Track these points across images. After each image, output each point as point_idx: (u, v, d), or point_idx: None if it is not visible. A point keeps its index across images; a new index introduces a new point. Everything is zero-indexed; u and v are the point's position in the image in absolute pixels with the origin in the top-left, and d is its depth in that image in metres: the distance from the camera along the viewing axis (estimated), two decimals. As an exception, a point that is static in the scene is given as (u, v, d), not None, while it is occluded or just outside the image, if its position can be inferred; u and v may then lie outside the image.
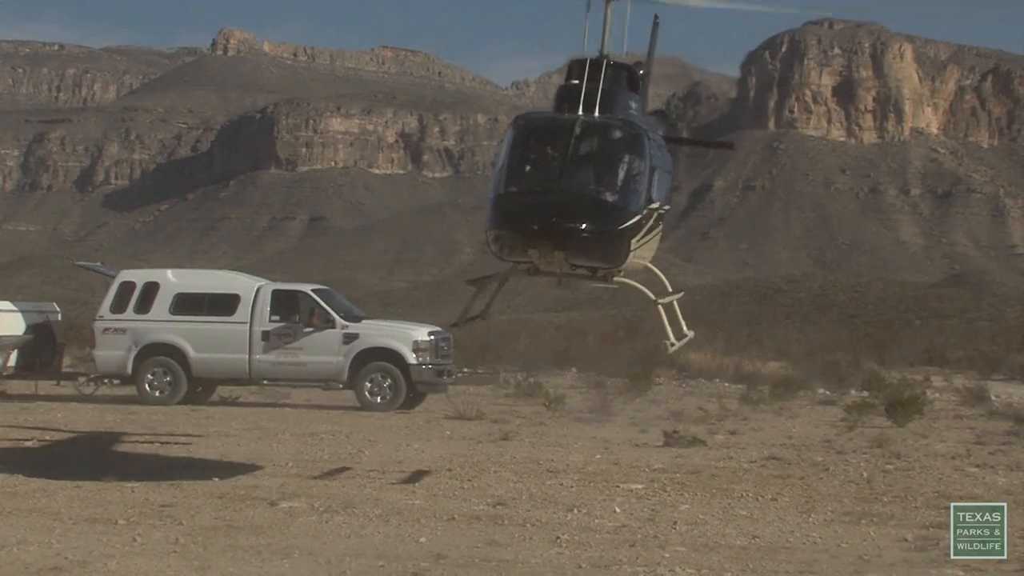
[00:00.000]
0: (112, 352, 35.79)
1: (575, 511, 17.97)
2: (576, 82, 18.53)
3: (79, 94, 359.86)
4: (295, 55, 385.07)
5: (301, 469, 21.72)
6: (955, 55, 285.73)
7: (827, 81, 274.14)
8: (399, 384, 34.78)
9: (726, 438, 28.52)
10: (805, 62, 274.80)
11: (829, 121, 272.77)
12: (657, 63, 22.37)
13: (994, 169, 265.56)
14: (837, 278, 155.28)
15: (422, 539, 15.83)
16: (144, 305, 35.89)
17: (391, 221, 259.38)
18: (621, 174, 18.17)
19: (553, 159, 17.92)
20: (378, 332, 35.70)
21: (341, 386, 35.29)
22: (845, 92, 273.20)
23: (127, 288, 36.33)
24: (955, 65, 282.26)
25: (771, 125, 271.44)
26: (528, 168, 18.19)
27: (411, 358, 34.89)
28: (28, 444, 25.25)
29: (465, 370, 40.68)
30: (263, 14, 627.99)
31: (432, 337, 35.69)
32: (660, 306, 19.85)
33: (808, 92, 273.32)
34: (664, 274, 20.61)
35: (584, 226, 17.48)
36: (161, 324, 35.70)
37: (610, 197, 17.97)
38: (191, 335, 35.53)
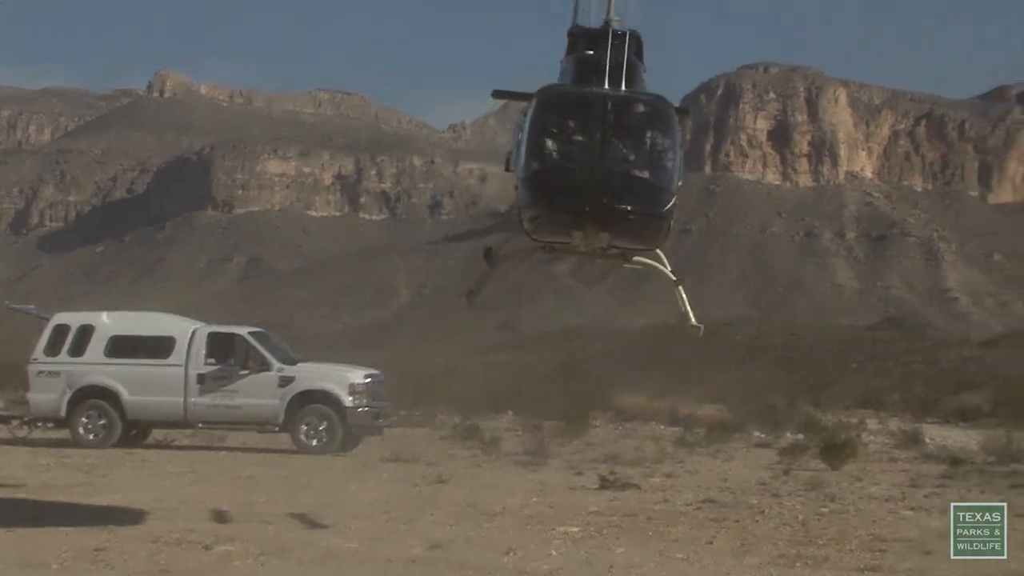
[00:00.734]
0: (46, 395, 35.60)
1: (511, 554, 17.94)
2: (591, 53, 17.47)
3: (14, 136, 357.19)
4: (231, 97, 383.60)
5: (236, 513, 21.59)
6: (889, 100, 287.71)
7: (762, 125, 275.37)
8: (335, 427, 34.71)
9: (662, 481, 28.55)
10: (740, 106, 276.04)
11: (764, 165, 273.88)
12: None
13: (928, 213, 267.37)
14: (773, 321, 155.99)
15: (358, 583, 15.78)
16: (79, 348, 35.73)
17: (329, 263, 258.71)
18: (660, 153, 17.25)
19: (590, 136, 16.89)
20: (314, 375, 35.62)
21: (277, 429, 35.21)
22: (780, 136, 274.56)
23: (61, 331, 36.16)
24: (889, 110, 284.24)
25: (707, 168, 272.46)
26: (561, 145, 17.08)
27: (347, 400, 34.86)
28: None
29: (401, 412, 40.67)
30: (199, 57, 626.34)
31: (368, 379, 35.66)
32: (681, 287, 19.11)
33: (744, 136, 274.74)
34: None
35: (633, 208, 16.67)
36: (96, 367, 35.53)
37: (653, 178, 17.04)
38: (126, 378, 35.36)
